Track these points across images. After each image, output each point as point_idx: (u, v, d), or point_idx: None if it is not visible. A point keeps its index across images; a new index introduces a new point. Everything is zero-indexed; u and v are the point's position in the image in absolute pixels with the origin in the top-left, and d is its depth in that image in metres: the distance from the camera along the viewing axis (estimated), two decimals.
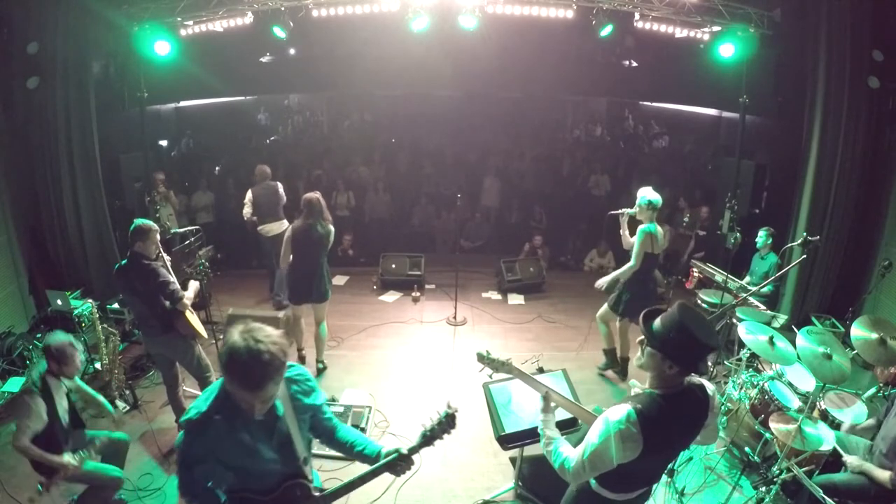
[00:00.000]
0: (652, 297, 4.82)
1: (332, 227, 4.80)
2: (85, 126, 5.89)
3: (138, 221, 3.79)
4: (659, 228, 4.65)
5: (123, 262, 3.77)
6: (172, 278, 3.81)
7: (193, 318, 3.95)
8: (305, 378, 2.06)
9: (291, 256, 4.79)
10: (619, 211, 4.80)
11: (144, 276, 3.68)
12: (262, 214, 6.28)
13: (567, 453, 2.10)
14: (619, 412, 1.93)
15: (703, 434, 2.14)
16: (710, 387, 2.09)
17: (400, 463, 2.06)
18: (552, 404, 2.40)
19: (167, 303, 3.75)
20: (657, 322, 2.01)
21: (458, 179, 9.50)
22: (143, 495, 3.60)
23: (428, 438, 2.07)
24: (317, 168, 9.56)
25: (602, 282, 4.87)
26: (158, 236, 3.82)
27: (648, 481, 2.24)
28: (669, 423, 1.96)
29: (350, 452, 2.18)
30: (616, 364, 5.11)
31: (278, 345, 1.73)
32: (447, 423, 2.07)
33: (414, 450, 2.08)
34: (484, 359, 2.67)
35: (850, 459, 3.21)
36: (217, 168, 9.62)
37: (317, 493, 2.08)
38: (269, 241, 6.31)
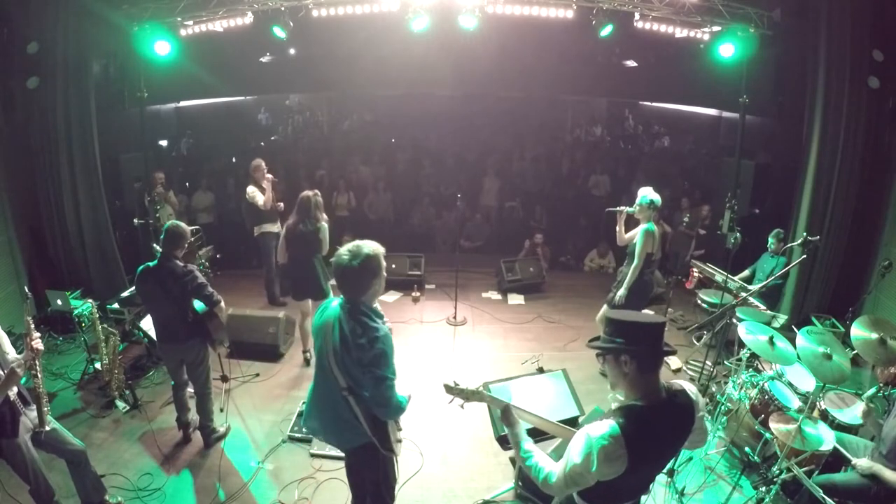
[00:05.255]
0: (647, 296, 4.87)
1: (323, 225, 4.90)
2: (85, 126, 5.89)
3: (173, 223, 3.75)
4: (657, 228, 4.67)
5: (151, 263, 3.71)
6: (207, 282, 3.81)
7: None
8: None
9: (287, 254, 4.97)
10: (618, 208, 4.86)
11: (180, 278, 3.63)
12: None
13: (549, 467, 1.98)
14: (602, 428, 1.82)
15: (692, 439, 2.07)
16: (691, 389, 2.02)
17: None
18: (514, 418, 2.24)
19: (203, 305, 3.74)
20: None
21: (458, 179, 9.49)
22: (144, 495, 3.60)
23: None
24: (318, 168, 9.55)
25: (620, 297, 4.67)
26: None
27: (635, 494, 2.15)
28: (656, 435, 1.89)
29: None
30: None
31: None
32: None
33: None
34: (452, 390, 2.47)
35: (860, 462, 3.17)
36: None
37: None
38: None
